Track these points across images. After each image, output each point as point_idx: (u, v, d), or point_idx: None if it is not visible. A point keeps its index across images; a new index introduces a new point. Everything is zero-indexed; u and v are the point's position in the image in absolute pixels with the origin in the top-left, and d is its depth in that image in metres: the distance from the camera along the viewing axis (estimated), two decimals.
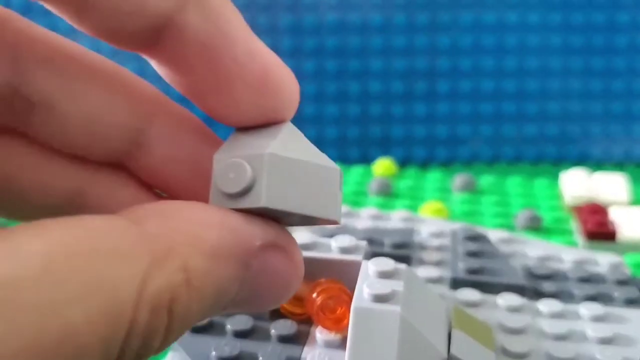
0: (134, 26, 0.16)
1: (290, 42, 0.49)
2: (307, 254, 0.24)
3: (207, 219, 0.15)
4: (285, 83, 0.18)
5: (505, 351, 0.23)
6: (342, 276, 0.23)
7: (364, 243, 0.24)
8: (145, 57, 0.17)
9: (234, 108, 0.18)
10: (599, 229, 0.31)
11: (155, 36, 0.16)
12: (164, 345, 0.14)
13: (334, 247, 0.24)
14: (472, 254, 0.28)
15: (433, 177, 0.40)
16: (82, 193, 0.19)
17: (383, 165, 0.41)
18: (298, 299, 0.23)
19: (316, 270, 0.24)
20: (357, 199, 0.37)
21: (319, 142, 0.50)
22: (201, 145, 0.19)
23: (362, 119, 0.49)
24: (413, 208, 0.35)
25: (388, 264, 0.22)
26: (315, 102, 0.50)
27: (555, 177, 0.39)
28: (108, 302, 0.13)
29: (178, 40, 0.16)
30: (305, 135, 0.54)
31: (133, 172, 0.19)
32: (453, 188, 0.38)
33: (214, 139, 0.19)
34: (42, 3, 0.17)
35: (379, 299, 0.20)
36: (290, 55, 0.49)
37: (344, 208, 0.33)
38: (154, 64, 0.17)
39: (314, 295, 0.23)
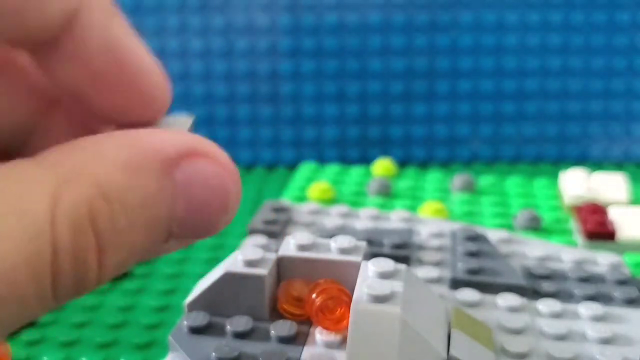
0: (36, 25, 0.16)
1: (289, 42, 0.49)
2: (306, 254, 0.24)
3: (114, 139, 0.15)
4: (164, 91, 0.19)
5: (504, 351, 0.23)
6: (342, 277, 0.23)
7: (363, 244, 0.24)
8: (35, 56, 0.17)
9: (121, 107, 0.18)
10: (598, 228, 0.31)
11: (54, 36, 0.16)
12: (104, 273, 0.14)
13: (334, 248, 0.24)
14: (472, 254, 0.28)
15: (432, 178, 0.40)
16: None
17: (382, 166, 0.41)
18: (297, 300, 0.23)
19: (315, 270, 0.24)
20: (356, 199, 0.37)
21: (319, 142, 0.50)
22: None
23: (362, 119, 0.49)
24: (412, 208, 0.35)
25: (387, 264, 0.22)
26: (315, 102, 0.50)
27: (554, 177, 0.39)
28: (23, 225, 0.13)
29: (78, 40, 0.16)
30: (306, 136, 0.55)
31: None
32: (452, 188, 0.38)
33: None
34: None
35: (379, 299, 0.20)
36: (290, 55, 0.49)
37: (344, 208, 0.33)
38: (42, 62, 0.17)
39: (314, 295, 0.23)
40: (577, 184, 0.36)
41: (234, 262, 0.23)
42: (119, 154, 0.15)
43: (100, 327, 0.27)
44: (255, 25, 0.50)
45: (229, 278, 0.23)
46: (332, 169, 0.41)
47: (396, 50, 0.49)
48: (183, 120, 0.19)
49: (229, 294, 0.23)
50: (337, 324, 0.22)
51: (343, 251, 0.24)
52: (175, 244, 0.17)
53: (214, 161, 0.16)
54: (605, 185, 0.36)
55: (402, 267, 0.22)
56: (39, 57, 0.17)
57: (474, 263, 0.27)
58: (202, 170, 0.16)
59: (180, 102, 0.50)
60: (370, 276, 0.22)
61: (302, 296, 0.23)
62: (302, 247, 0.24)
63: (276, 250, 0.25)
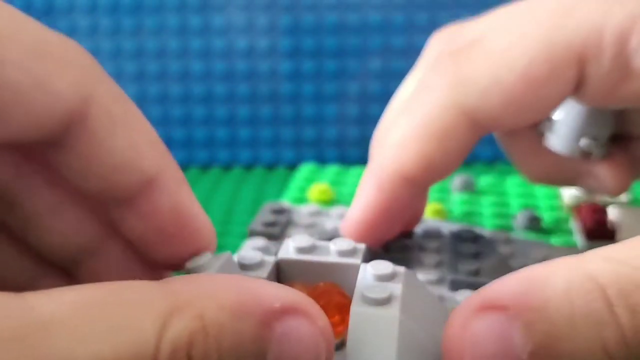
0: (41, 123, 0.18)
1: (289, 42, 0.49)
2: (305, 257, 0.24)
3: (228, 281, 0.17)
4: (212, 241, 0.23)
5: None
6: (341, 279, 0.23)
7: (362, 246, 0.24)
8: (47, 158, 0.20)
9: (175, 255, 0.21)
10: (598, 228, 0.31)
11: (61, 133, 0.18)
12: None
13: (333, 250, 0.24)
14: (472, 255, 0.28)
15: None
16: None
17: None
18: None
19: (315, 273, 0.24)
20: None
21: (319, 142, 0.50)
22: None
23: (362, 119, 0.49)
24: None
25: (386, 266, 0.22)
26: (315, 102, 0.50)
27: None
28: (132, 341, 0.15)
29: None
30: (306, 136, 0.55)
31: None
32: (452, 188, 0.38)
33: None
34: None
35: (378, 302, 0.20)
36: (290, 55, 0.49)
37: (344, 209, 0.33)
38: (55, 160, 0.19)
39: (312, 298, 0.22)
40: None
41: (233, 266, 0.23)
42: (228, 295, 0.17)
43: None
44: (255, 25, 0.50)
45: None
46: (332, 169, 0.41)
47: (396, 50, 0.49)
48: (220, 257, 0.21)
49: None
50: (336, 327, 0.22)
51: (342, 254, 0.24)
52: None
53: (311, 322, 0.17)
54: None
55: (401, 269, 0.22)
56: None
57: (473, 264, 0.27)
58: (299, 328, 0.17)
59: (181, 102, 0.50)
60: (369, 279, 0.22)
61: None
62: (301, 250, 0.24)
63: (276, 253, 0.25)
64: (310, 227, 0.32)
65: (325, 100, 0.50)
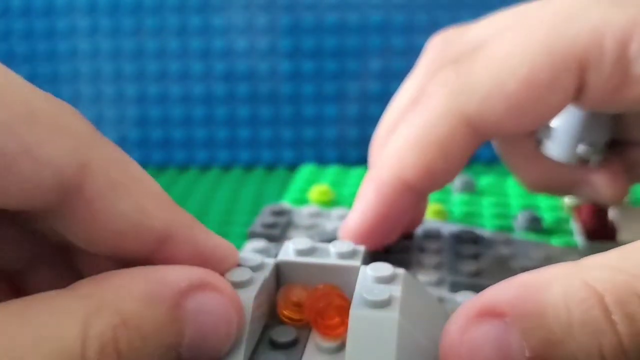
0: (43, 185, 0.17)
1: (289, 42, 0.49)
2: (305, 259, 0.24)
3: (134, 273, 0.18)
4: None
5: None
6: (341, 282, 0.23)
7: (362, 248, 0.24)
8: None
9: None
10: (598, 229, 0.31)
11: (56, 202, 0.18)
12: None
13: (332, 252, 0.24)
14: (472, 256, 0.28)
15: None
16: None
17: None
18: (296, 305, 0.23)
19: (314, 275, 0.24)
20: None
21: (319, 143, 0.50)
22: None
23: (362, 119, 0.49)
24: None
25: (386, 269, 0.22)
26: (315, 102, 0.50)
27: None
28: (59, 348, 0.15)
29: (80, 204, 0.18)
30: (306, 136, 0.55)
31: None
32: (452, 189, 0.38)
33: None
34: None
35: (377, 305, 0.20)
36: (290, 55, 0.49)
37: (344, 210, 0.33)
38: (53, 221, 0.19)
39: (312, 301, 0.22)
40: None
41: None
42: (137, 287, 0.18)
43: None
44: (255, 25, 0.50)
45: None
46: (332, 170, 0.41)
47: (396, 50, 0.49)
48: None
49: None
50: (336, 329, 0.22)
51: (342, 256, 0.24)
52: None
53: (221, 293, 0.19)
54: None
55: (400, 271, 0.22)
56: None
57: (474, 265, 0.27)
58: (208, 302, 0.19)
59: (181, 102, 0.50)
60: (369, 281, 0.22)
61: (302, 301, 0.23)
62: (301, 252, 0.24)
63: (276, 255, 0.25)
64: (310, 229, 0.32)
65: (325, 100, 0.50)
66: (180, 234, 0.19)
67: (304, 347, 0.22)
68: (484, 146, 0.47)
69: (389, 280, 0.22)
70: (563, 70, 0.25)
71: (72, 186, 0.17)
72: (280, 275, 0.24)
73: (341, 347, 0.22)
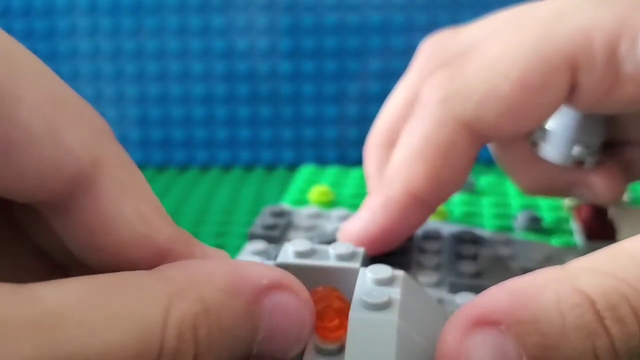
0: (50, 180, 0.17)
1: (289, 42, 0.49)
2: (304, 261, 0.24)
3: (218, 265, 0.18)
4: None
5: None
6: (340, 284, 0.23)
7: (361, 250, 0.24)
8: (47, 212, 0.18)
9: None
10: (598, 228, 0.31)
11: (66, 195, 0.17)
12: None
13: (332, 254, 0.24)
14: (471, 257, 0.28)
15: None
16: None
17: None
18: None
19: (314, 277, 0.24)
20: (356, 202, 0.37)
21: (319, 143, 0.50)
22: None
23: (362, 120, 0.49)
24: None
25: (385, 271, 0.22)
26: (315, 103, 0.50)
27: None
28: (139, 327, 0.15)
29: (88, 203, 0.18)
30: (306, 136, 0.54)
31: None
32: None
33: None
34: None
35: (376, 307, 0.20)
36: (290, 56, 0.49)
37: (344, 211, 0.33)
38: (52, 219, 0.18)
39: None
40: None
41: None
42: (221, 277, 0.18)
43: None
44: (255, 25, 0.50)
45: None
46: (332, 171, 0.41)
47: (396, 50, 0.49)
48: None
49: None
50: (335, 332, 0.22)
51: (341, 258, 0.24)
52: None
53: (297, 295, 0.19)
54: None
55: (399, 273, 0.22)
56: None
57: (473, 266, 0.27)
58: (285, 302, 0.19)
59: (181, 102, 0.50)
60: (368, 283, 0.22)
61: None
62: (300, 254, 0.24)
63: (275, 256, 0.25)
64: (310, 230, 0.32)
65: (325, 100, 0.50)
66: (179, 250, 0.19)
67: (303, 349, 0.22)
68: (484, 147, 0.47)
69: (388, 282, 0.22)
70: (554, 71, 0.25)
71: (85, 180, 0.17)
72: None
73: (341, 350, 0.22)
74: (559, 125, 0.29)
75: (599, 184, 0.29)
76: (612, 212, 0.33)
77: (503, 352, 0.17)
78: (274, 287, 0.19)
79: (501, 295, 0.18)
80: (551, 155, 0.30)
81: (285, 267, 0.24)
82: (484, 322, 0.18)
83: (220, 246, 0.36)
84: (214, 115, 0.50)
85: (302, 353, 0.22)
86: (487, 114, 0.26)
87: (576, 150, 0.29)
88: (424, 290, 0.23)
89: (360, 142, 0.48)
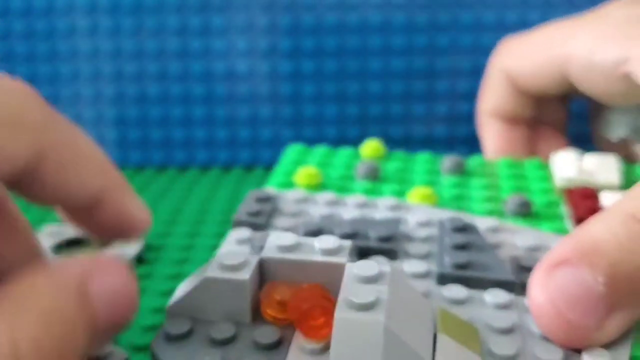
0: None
1: (289, 42, 0.49)
2: (289, 256, 0.24)
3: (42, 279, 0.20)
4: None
5: (491, 354, 0.22)
6: (326, 279, 0.23)
7: (348, 243, 0.24)
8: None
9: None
10: (589, 215, 0.31)
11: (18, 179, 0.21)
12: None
13: (317, 249, 0.24)
14: (460, 247, 0.28)
15: (422, 159, 0.40)
16: None
17: (371, 147, 0.40)
18: (281, 304, 0.23)
19: (299, 272, 0.24)
20: (344, 184, 0.37)
21: (320, 143, 0.50)
22: None
23: (362, 120, 0.49)
24: (401, 193, 0.35)
25: (372, 267, 0.22)
26: (315, 103, 0.50)
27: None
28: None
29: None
30: (306, 136, 0.54)
31: None
32: (442, 170, 0.38)
33: None
34: None
35: (362, 307, 0.20)
36: (290, 56, 0.49)
37: (331, 195, 0.33)
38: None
39: (296, 302, 0.22)
40: (568, 165, 0.36)
41: (214, 266, 0.23)
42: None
43: None
44: (255, 25, 0.49)
45: (209, 283, 0.23)
46: (320, 151, 0.41)
47: (396, 50, 0.49)
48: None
49: (210, 298, 0.23)
50: (320, 331, 0.22)
51: (327, 252, 0.24)
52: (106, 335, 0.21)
53: (111, 271, 0.21)
54: (597, 168, 0.35)
55: (387, 269, 0.22)
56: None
57: (461, 257, 0.27)
58: (106, 280, 0.20)
59: (181, 102, 0.50)
60: (355, 281, 0.22)
61: (286, 300, 0.23)
62: (285, 249, 0.24)
63: (261, 247, 0.25)
64: (296, 216, 0.31)
65: (325, 100, 0.49)
66: (108, 199, 0.23)
67: (288, 348, 0.22)
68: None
69: (375, 279, 0.22)
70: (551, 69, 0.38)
71: (29, 170, 0.21)
72: (264, 271, 0.24)
73: (326, 349, 0.21)
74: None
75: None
76: (604, 198, 0.32)
77: (583, 280, 0.22)
78: (92, 273, 0.20)
79: (565, 243, 0.23)
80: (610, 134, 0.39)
81: (270, 262, 0.24)
82: (559, 263, 0.22)
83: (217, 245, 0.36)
84: (214, 115, 0.50)
85: (286, 352, 0.22)
86: (521, 69, 0.40)
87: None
88: (411, 287, 0.23)
89: (360, 141, 0.48)
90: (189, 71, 0.50)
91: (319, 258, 0.23)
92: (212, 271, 0.23)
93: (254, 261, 0.23)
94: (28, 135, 0.21)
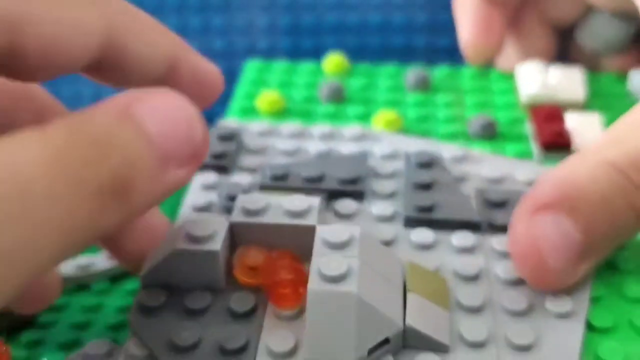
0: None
1: (289, 42, 0.48)
2: (259, 220, 0.23)
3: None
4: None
5: (459, 304, 0.23)
6: (296, 241, 0.23)
7: (316, 202, 0.24)
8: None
9: None
10: (555, 139, 0.31)
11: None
12: None
13: (286, 211, 0.23)
14: (425, 187, 0.28)
15: (386, 73, 0.38)
16: None
17: (334, 62, 0.39)
18: (252, 269, 0.23)
19: (269, 236, 0.23)
20: (308, 108, 0.36)
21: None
22: None
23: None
24: (366, 116, 0.34)
25: (342, 233, 0.22)
26: None
27: None
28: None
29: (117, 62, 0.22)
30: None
31: None
32: (407, 86, 0.37)
33: None
34: None
35: (334, 279, 0.20)
36: (289, 55, 0.47)
37: (296, 126, 0.32)
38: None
39: (267, 272, 0.22)
40: (532, 79, 0.35)
41: (183, 236, 0.22)
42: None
43: (101, 327, 0.27)
44: (255, 25, 0.48)
45: (179, 255, 0.22)
46: (280, 67, 0.39)
47: (396, 50, 0.47)
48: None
49: (182, 268, 0.23)
50: (290, 300, 0.22)
51: (296, 215, 0.23)
52: (178, 172, 0.19)
53: (158, 95, 0.19)
54: (562, 82, 0.35)
55: (356, 232, 0.22)
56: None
57: (427, 199, 0.27)
58: (153, 102, 0.19)
59: None
60: (325, 248, 0.22)
61: (257, 265, 0.23)
62: (252, 213, 0.23)
63: (227, 193, 0.24)
64: (261, 153, 0.30)
65: None
66: (182, 59, 0.24)
67: (264, 314, 0.22)
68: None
69: (345, 245, 0.22)
70: None
71: (105, 46, 0.21)
72: (235, 235, 0.23)
73: (299, 313, 0.22)
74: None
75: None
76: (569, 120, 0.32)
77: (560, 227, 0.22)
78: (134, 100, 0.19)
79: (548, 185, 0.23)
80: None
81: (239, 226, 0.23)
82: (541, 208, 0.22)
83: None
84: (214, 114, 0.49)
85: (262, 320, 0.22)
86: None
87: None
88: (380, 247, 0.23)
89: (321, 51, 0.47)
90: None
91: (289, 221, 0.23)
92: (181, 243, 0.22)
93: (223, 229, 0.23)
94: (95, 8, 0.21)
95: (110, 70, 0.22)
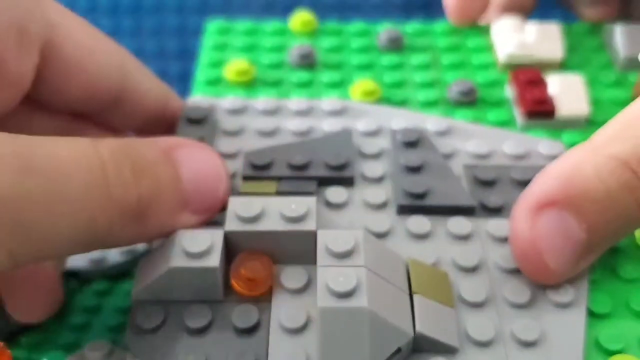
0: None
1: None
2: (255, 227, 0.22)
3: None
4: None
5: (463, 300, 0.23)
6: (296, 246, 0.22)
7: (313, 203, 0.23)
8: None
9: None
10: (539, 107, 0.30)
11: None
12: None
13: (283, 216, 0.22)
14: (415, 169, 0.27)
15: (357, 31, 0.37)
16: None
17: (301, 20, 0.37)
18: (251, 280, 0.22)
19: (267, 243, 0.22)
20: (279, 76, 0.34)
21: None
22: None
23: None
24: (342, 85, 0.33)
25: (346, 241, 0.21)
26: None
27: None
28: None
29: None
30: None
31: None
32: (379, 46, 0.36)
33: None
34: None
35: (344, 295, 0.20)
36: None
37: (271, 102, 0.30)
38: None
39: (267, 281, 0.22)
40: (509, 37, 0.34)
41: (178, 253, 0.21)
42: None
43: (102, 329, 0.26)
44: None
45: (176, 272, 0.21)
46: (244, 28, 0.37)
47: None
48: None
49: (179, 285, 0.22)
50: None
51: (294, 220, 0.22)
52: (191, 218, 0.22)
53: (204, 149, 0.23)
54: (539, 39, 0.34)
55: (359, 235, 0.22)
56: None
57: (418, 185, 0.26)
58: (193, 153, 0.23)
59: None
60: (329, 258, 0.21)
61: (256, 277, 0.22)
62: (248, 220, 0.22)
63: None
64: (237, 135, 0.29)
65: None
66: (172, 99, 0.28)
67: (268, 327, 0.21)
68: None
69: (350, 254, 0.21)
70: None
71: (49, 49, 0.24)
72: (230, 243, 0.22)
73: (306, 326, 0.21)
74: None
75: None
76: (551, 84, 0.32)
77: (564, 226, 0.22)
78: (177, 146, 0.22)
79: (550, 181, 0.22)
80: None
81: (234, 235, 0.22)
82: (544, 205, 0.22)
83: None
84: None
85: (267, 334, 0.21)
86: None
87: None
88: (384, 248, 0.23)
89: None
90: (188, 71, 0.46)
91: (287, 227, 0.22)
92: (177, 260, 0.21)
93: (219, 242, 0.22)
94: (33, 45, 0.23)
95: (116, 110, 0.26)
